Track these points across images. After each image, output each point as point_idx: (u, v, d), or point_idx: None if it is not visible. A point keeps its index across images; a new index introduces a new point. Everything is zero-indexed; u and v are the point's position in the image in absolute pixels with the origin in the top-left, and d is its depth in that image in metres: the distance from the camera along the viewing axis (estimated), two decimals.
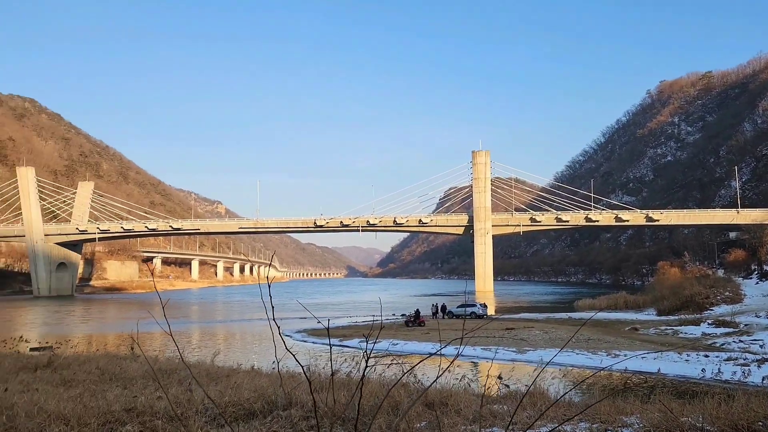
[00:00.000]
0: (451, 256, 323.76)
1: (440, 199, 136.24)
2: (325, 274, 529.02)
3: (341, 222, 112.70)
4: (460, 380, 11.23)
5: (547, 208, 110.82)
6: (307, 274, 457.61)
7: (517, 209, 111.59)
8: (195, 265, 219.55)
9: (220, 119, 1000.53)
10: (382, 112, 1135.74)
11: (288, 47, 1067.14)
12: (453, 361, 5.48)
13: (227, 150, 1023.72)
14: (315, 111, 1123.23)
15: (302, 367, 5.40)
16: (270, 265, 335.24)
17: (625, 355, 23.01)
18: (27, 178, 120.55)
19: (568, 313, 53.00)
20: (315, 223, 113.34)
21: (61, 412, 8.94)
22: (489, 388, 9.76)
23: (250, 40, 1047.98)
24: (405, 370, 12.72)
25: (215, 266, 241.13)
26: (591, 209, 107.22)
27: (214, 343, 34.14)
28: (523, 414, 9.10)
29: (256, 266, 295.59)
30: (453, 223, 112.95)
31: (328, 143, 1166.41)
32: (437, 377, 5.60)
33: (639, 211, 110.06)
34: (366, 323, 40.33)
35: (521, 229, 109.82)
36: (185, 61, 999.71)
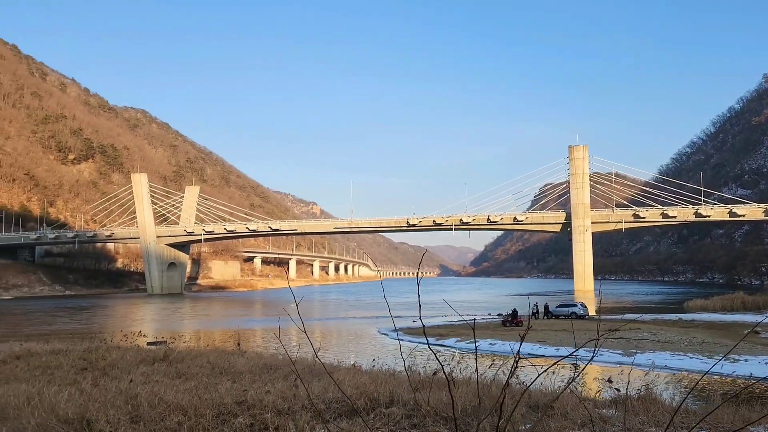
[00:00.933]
0: (547, 255, 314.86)
1: (535, 196, 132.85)
2: (417, 273, 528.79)
3: (434, 221, 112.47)
4: (567, 382, 10.80)
5: (651, 203, 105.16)
6: (399, 273, 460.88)
7: (618, 205, 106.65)
8: (292, 264, 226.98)
9: (315, 122, 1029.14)
10: (474, 110, 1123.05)
11: (378, 50, 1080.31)
12: (584, 367, 5.26)
13: (322, 152, 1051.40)
14: (406, 110, 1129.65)
15: (405, 365, 5.37)
16: (364, 264, 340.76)
17: (746, 360, 21.31)
18: (140, 183, 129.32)
19: (678, 315, 49.91)
20: (408, 222, 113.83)
21: (179, 403, 9.46)
22: (598, 391, 9.34)
23: (341, 43, 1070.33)
24: (506, 371, 12.44)
25: (311, 265, 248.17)
26: (701, 204, 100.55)
27: (313, 341, 34.97)
28: (636, 420, 8.65)
29: (350, 265, 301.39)
30: (549, 220, 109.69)
31: (419, 142, 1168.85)
32: (538, 376, 5.39)
33: (756, 204, 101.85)
34: (461, 323, 39.93)
35: (623, 226, 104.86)
36: (283, 67, 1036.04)
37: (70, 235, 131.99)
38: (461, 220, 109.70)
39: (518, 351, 4.56)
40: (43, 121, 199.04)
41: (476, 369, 5.23)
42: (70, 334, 35.72)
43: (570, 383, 5.57)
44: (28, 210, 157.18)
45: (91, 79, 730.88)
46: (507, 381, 6.16)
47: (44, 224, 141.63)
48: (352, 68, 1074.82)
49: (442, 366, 5.49)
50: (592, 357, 5.20)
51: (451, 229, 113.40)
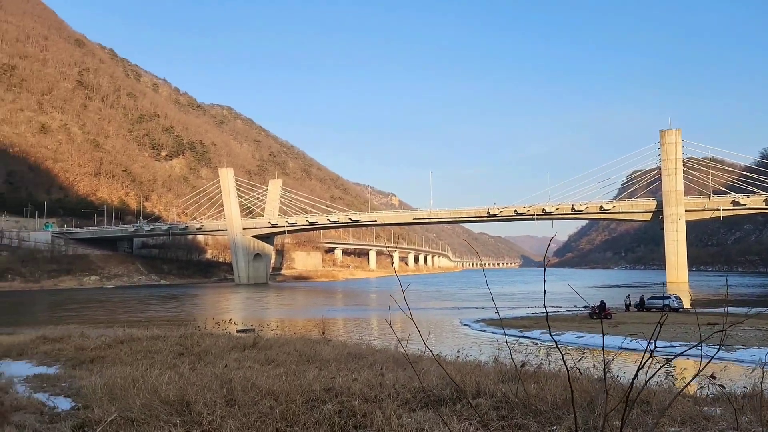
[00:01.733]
0: (635, 245, 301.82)
1: (622, 184, 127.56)
2: (498, 263, 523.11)
3: (515, 210, 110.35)
4: (666, 377, 10.29)
5: (753, 189, 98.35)
6: (479, 264, 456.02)
7: (715, 191, 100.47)
8: (372, 255, 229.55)
9: (393, 115, 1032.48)
10: (556, 96, 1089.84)
11: (454, 43, 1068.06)
12: (706, 364, 4.96)
13: (400, 144, 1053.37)
14: (485, 100, 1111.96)
15: (490, 356, 5.26)
16: (443, 254, 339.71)
17: None
18: (227, 178, 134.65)
19: None
20: (488, 212, 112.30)
21: (270, 389, 9.77)
22: (700, 387, 8.84)
23: (417, 38, 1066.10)
24: (597, 365, 12.00)
25: (391, 256, 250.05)
26: None
27: (394, 330, 35.27)
28: (742, 419, 8.10)
29: (429, 256, 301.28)
30: (638, 208, 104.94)
31: (499, 131, 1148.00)
32: (637, 371, 5.12)
33: None
34: (545, 314, 38.97)
35: (720, 214, 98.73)
36: (362, 63, 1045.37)
37: (164, 227, 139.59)
38: (544, 209, 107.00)
39: (619, 345, 4.34)
40: (138, 120, 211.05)
41: (564, 361, 5.05)
42: (167, 321, 37.80)
43: (689, 383, 5.25)
44: (126, 204, 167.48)
45: (180, 78, 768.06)
46: (605, 374, 5.93)
47: (140, 218, 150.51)
48: (429, 62, 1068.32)
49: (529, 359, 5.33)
50: (718, 350, 4.85)
51: (533, 219, 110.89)
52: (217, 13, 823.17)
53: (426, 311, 49.70)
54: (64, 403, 10.95)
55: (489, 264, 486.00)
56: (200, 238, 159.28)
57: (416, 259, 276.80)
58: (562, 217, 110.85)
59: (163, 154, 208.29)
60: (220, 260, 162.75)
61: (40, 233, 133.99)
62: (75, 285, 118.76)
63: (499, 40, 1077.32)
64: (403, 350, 11.36)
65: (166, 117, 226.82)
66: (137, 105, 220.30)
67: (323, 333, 22.68)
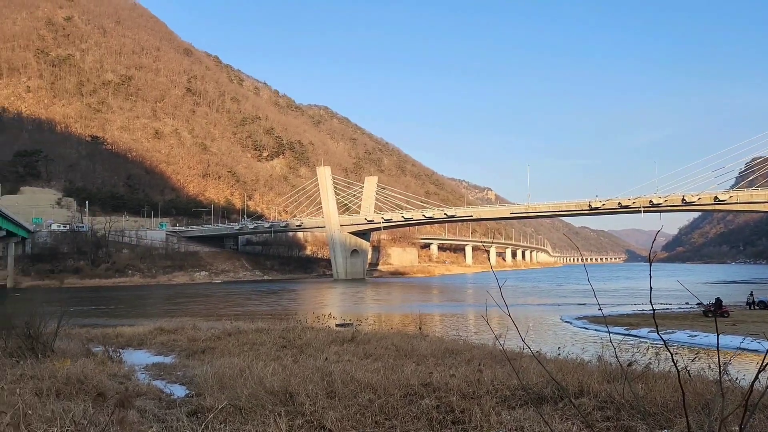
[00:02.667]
0: (756, 238, 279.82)
1: (741, 172, 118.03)
2: (601, 258, 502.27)
3: (619, 203, 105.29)
4: None
5: None
6: (580, 259, 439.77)
7: None
8: (468, 250, 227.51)
9: (487, 108, 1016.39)
10: (667, 80, 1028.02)
11: (554, 27, 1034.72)
12: None
13: (496, 137, 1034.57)
14: (588, 87, 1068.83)
15: (593, 355, 5.04)
16: (542, 249, 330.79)
17: None
18: (325, 176, 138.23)
19: None
20: (590, 205, 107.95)
21: (369, 382, 9.94)
22: None
23: (510, 24, 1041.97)
24: (712, 366, 11.22)
25: (487, 251, 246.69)
26: None
27: (491, 327, 34.77)
28: None
29: (527, 251, 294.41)
30: (759, 198, 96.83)
31: (603, 121, 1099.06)
32: (758, 374, 4.71)
33: None
34: (656, 312, 36.92)
35: None
36: (451, 57, 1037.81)
37: (266, 225, 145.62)
38: (651, 201, 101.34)
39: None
40: (241, 123, 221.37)
41: (674, 361, 4.75)
42: (269, 315, 39.42)
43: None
44: (231, 204, 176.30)
45: (280, 81, 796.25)
46: (720, 376, 5.53)
47: (244, 216, 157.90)
48: (527, 53, 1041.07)
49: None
50: None
51: (639, 212, 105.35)
52: (313, 15, 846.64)
53: (524, 307, 48.62)
54: (179, 391, 11.71)
55: (591, 259, 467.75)
56: (300, 234, 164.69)
57: (514, 255, 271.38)
58: (671, 209, 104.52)
59: (265, 154, 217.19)
60: (319, 256, 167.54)
61: (155, 232, 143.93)
62: (187, 280, 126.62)
63: (603, 23, 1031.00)
64: (500, 347, 11.18)
65: (267, 119, 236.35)
66: (240, 108, 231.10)
67: (420, 328, 22.77)
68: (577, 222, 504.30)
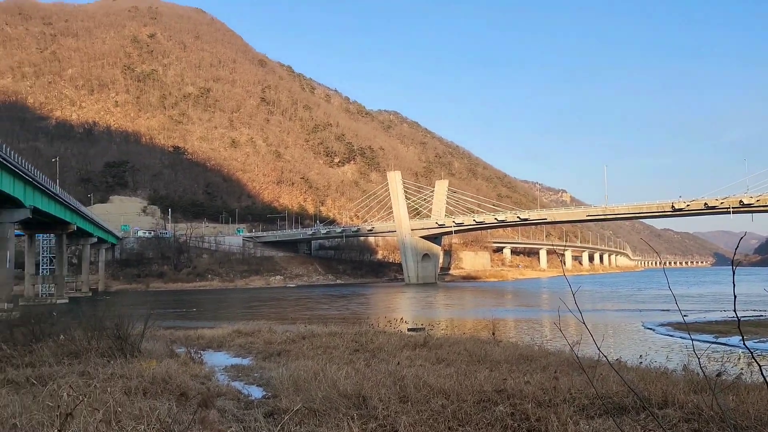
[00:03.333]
0: None
1: None
2: (686, 262, 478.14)
3: (705, 203, 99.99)
4: None
5: None
6: (663, 263, 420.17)
7: None
8: (543, 254, 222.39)
9: (561, 107, 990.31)
10: (751, 76, 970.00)
11: (637, 25, 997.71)
12: None
13: (570, 137, 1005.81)
14: (669, 84, 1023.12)
15: (679, 364, 4.79)
16: (621, 253, 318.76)
17: None
18: (395, 180, 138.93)
19: None
20: (672, 206, 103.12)
21: (442, 387, 9.87)
22: None
23: (586, 27, 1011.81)
24: None
25: (563, 255, 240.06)
26: None
27: (567, 333, 33.77)
28: None
29: (605, 254, 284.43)
30: None
31: (686, 118, 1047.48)
32: None
33: None
34: (747, 319, 34.77)
35: None
36: (527, 57, 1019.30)
37: (338, 230, 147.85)
38: (741, 201, 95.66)
39: None
40: (313, 130, 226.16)
41: (761, 372, 4.43)
42: (342, 319, 39.95)
43: None
44: (304, 209, 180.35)
45: (350, 87, 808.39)
46: None
47: (317, 221, 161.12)
48: (604, 47, 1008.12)
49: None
50: None
51: (728, 212, 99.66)
52: (381, 22, 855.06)
53: (602, 313, 46.97)
54: (256, 392, 12.05)
55: (675, 263, 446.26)
56: (371, 239, 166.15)
57: (591, 258, 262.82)
58: (764, 209, 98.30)
59: (336, 160, 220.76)
60: (390, 260, 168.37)
61: (233, 237, 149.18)
62: (263, 284, 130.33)
63: (688, 18, 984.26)
64: (575, 354, 10.82)
65: (338, 125, 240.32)
66: (312, 116, 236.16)
67: (493, 333, 22.43)
68: (659, 224, 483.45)
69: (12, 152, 54.30)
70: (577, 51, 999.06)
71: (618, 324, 38.50)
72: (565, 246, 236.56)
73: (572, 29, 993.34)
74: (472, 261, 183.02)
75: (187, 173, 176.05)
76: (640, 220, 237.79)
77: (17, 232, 72.49)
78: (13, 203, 56.85)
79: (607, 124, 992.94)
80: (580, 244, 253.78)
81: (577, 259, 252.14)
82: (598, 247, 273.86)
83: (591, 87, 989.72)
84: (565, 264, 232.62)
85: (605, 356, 7.59)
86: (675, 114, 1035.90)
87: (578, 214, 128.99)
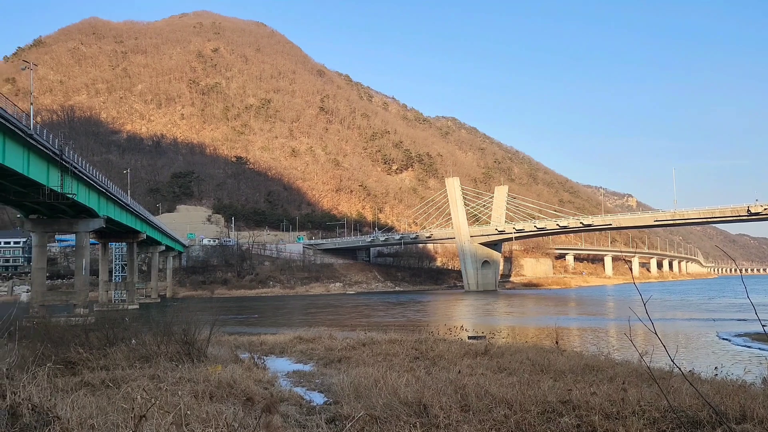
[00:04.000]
0: None
1: None
2: (764, 269, 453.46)
3: None
4: None
5: None
6: (739, 270, 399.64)
7: None
8: (608, 261, 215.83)
9: (626, 108, 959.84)
10: None
11: (709, 20, 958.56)
12: None
13: (636, 139, 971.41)
14: (742, 82, 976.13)
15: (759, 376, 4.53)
16: (692, 259, 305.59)
17: None
18: (454, 187, 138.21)
19: None
20: (748, 210, 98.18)
21: (504, 397, 9.70)
22: None
23: (652, 24, 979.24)
24: None
25: (629, 262, 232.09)
26: None
27: (635, 343, 32.52)
28: None
29: (675, 261, 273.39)
30: None
31: (763, 116, 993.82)
32: None
33: None
34: None
35: None
36: (590, 56, 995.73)
37: (397, 237, 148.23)
38: None
39: None
40: (371, 138, 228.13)
41: None
42: (401, 326, 39.96)
43: None
44: (363, 216, 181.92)
45: (407, 94, 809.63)
46: None
47: (375, 228, 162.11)
48: (672, 43, 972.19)
49: None
50: None
51: None
52: (437, 29, 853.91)
53: (672, 322, 45.14)
54: (317, 398, 12.19)
55: (751, 270, 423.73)
56: (430, 246, 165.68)
57: (659, 265, 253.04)
58: None
59: (394, 167, 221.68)
60: (449, 267, 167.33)
61: (293, 245, 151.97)
62: (322, 291, 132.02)
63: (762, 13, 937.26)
64: (646, 364, 10.43)
65: (395, 133, 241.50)
66: (370, 124, 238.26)
67: (556, 342, 21.91)
68: (733, 229, 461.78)
69: (88, 165, 57.27)
70: (642, 50, 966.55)
71: (690, 333, 36.90)
72: (632, 252, 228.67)
73: (638, 26, 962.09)
74: (533, 268, 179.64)
75: (249, 182, 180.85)
76: (713, 225, 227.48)
77: (92, 240, 76.26)
78: (89, 213, 59.89)
79: (674, 124, 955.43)
80: (647, 251, 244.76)
81: (644, 266, 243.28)
82: (667, 253, 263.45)
83: (658, 86, 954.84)
84: (632, 271, 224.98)
85: (678, 367, 7.28)
86: (751, 112, 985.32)
87: (645, 219, 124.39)
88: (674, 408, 8.78)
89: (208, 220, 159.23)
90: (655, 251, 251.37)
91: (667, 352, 5.50)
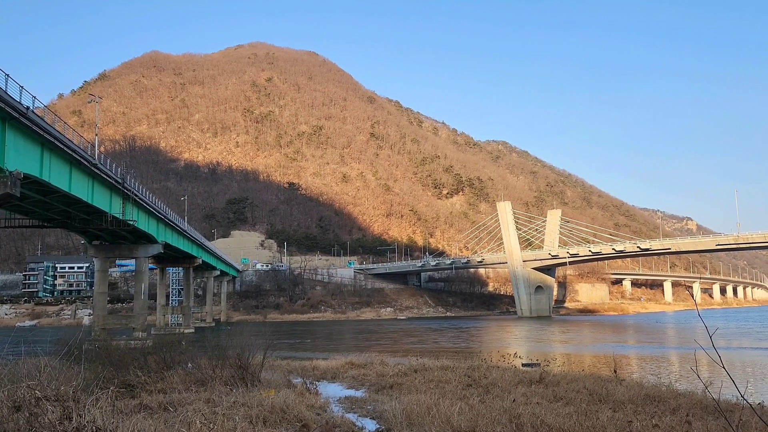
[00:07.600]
0: None
1: None
2: None
3: None
4: None
5: None
6: None
7: None
8: (667, 286, 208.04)
9: (684, 128, 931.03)
10: None
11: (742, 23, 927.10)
12: None
13: (696, 161, 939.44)
14: None
15: None
16: (759, 285, 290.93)
17: None
18: (505, 211, 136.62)
19: None
20: None
21: (561, 428, 9.42)
22: None
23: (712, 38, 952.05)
24: None
25: (690, 287, 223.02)
26: None
27: (699, 372, 31.05)
28: None
29: (740, 287, 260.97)
30: None
31: None
32: None
33: None
34: None
35: None
36: (646, 76, 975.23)
37: (448, 261, 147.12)
38: None
39: None
40: (421, 163, 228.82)
41: None
42: (453, 352, 39.39)
43: None
44: (413, 241, 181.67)
45: (457, 119, 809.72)
46: None
47: (426, 253, 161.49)
48: (735, 56, 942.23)
49: None
50: None
51: None
52: (487, 53, 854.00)
53: (739, 351, 42.98)
54: (369, 425, 12.12)
55: None
56: (481, 271, 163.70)
57: (723, 291, 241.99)
58: None
59: (444, 192, 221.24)
60: (502, 293, 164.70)
61: (344, 270, 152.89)
62: (373, 316, 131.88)
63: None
64: (712, 396, 9.97)
65: (445, 157, 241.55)
66: (420, 149, 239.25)
67: (614, 371, 21.16)
68: None
69: (147, 192, 59.53)
70: (701, 68, 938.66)
71: (759, 363, 35.02)
72: (694, 278, 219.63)
73: (697, 43, 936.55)
74: (588, 293, 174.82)
75: (301, 208, 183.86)
76: None
77: (150, 266, 78.82)
78: (148, 239, 62.04)
79: (736, 143, 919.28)
80: (709, 276, 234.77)
81: (706, 291, 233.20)
82: (731, 278, 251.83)
83: (718, 104, 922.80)
84: (693, 297, 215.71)
85: (746, 399, 6.94)
86: None
87: (706, 243, 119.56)
88: None
89: (261, 245, 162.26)
90: (717, 276, 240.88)
91: (733, 383, 5.25)
